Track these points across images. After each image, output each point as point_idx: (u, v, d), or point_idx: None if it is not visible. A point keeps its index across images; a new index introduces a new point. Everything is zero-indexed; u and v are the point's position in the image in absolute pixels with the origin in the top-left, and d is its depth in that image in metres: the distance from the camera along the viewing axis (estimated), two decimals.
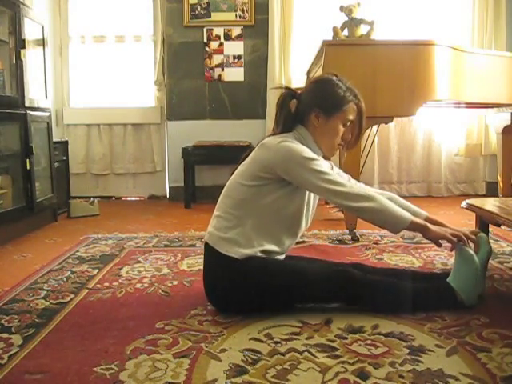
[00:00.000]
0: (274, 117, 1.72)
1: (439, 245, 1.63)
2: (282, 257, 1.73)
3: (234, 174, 1.71)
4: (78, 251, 2.54)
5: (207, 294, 1.69)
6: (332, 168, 1.85)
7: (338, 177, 1.62)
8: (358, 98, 1.70)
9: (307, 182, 1.58)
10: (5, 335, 1.49)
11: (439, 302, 1.64)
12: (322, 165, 1.60)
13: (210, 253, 1.65)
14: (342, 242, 2.69)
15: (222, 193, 1.72)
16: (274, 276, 1.60)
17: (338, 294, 1.63)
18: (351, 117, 1.68)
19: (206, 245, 1.68)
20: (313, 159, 1.58)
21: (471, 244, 1.70)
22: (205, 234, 1.74)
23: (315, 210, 1.79)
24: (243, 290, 1.60)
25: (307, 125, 1.69)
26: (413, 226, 1.59)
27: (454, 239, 1.61)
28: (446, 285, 1.66)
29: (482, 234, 1.75)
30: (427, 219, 1.72)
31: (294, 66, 4.37)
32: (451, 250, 1.67)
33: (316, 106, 1.66)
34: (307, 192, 1.67)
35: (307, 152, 1.59)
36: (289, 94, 1.71)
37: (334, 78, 1.71)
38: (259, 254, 1.61)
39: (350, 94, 1.68)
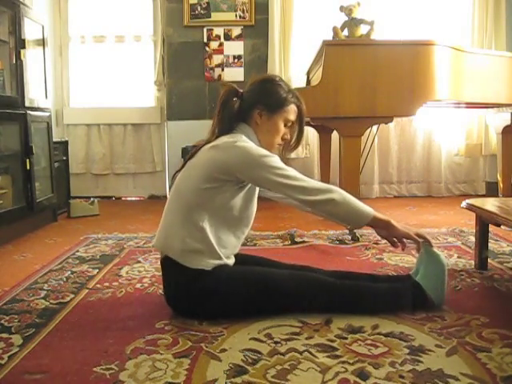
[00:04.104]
0: (216, 115, 1.67)
1: (395, 245, 1.60)
2: (232, 258, 1.69)
3: (182, 177, 1.64)
4: (78, 251, 2.54)
5: (172, 306, 1.65)
6: None
7: (296, 172, 1.57)
8: (299, 100, 1.70)
9: (264, 180, 1.53)
10: (5, 335, 1.49)
11: (409, 302, 1.61)
12: (278, 161, 1.56)
13: (172, 264, 1.58)
14: (342, 242, 2.68)
15: (171, 197, 1.65)
16: (245, 286, 1.57)
17: (310, 301, 1.60)
18: (292, 117, 1.69)
19: (166, 257, 1.60)
20: (269, 156, 1.55)
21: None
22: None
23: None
24: (212, 301, 1.56)
25: (249, 122, 1.67)
26: (375, 222, 1.54)
27: (419, 239, 1.58)
28: (416, 284, 1.64)
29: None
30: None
31: (293, 65, 4.37)
32: (418, 251, 1.64)
33: (259, 104, 1.66)
34: (256, 191, 1.67)
35: (262, 150, 1.57)
36: (232, 91, 1.68)
37: (277, 78, 1.73)
38: (225, 261, 1.59)
39: (292, 95, 1.69)
